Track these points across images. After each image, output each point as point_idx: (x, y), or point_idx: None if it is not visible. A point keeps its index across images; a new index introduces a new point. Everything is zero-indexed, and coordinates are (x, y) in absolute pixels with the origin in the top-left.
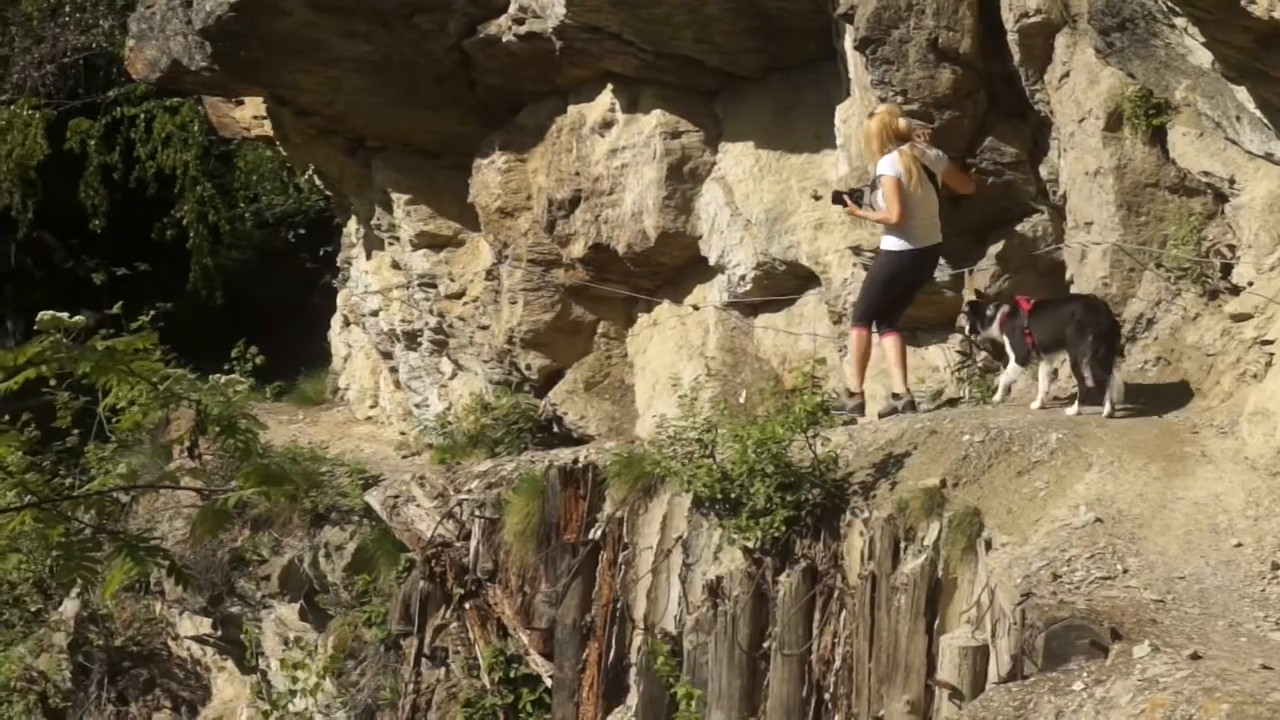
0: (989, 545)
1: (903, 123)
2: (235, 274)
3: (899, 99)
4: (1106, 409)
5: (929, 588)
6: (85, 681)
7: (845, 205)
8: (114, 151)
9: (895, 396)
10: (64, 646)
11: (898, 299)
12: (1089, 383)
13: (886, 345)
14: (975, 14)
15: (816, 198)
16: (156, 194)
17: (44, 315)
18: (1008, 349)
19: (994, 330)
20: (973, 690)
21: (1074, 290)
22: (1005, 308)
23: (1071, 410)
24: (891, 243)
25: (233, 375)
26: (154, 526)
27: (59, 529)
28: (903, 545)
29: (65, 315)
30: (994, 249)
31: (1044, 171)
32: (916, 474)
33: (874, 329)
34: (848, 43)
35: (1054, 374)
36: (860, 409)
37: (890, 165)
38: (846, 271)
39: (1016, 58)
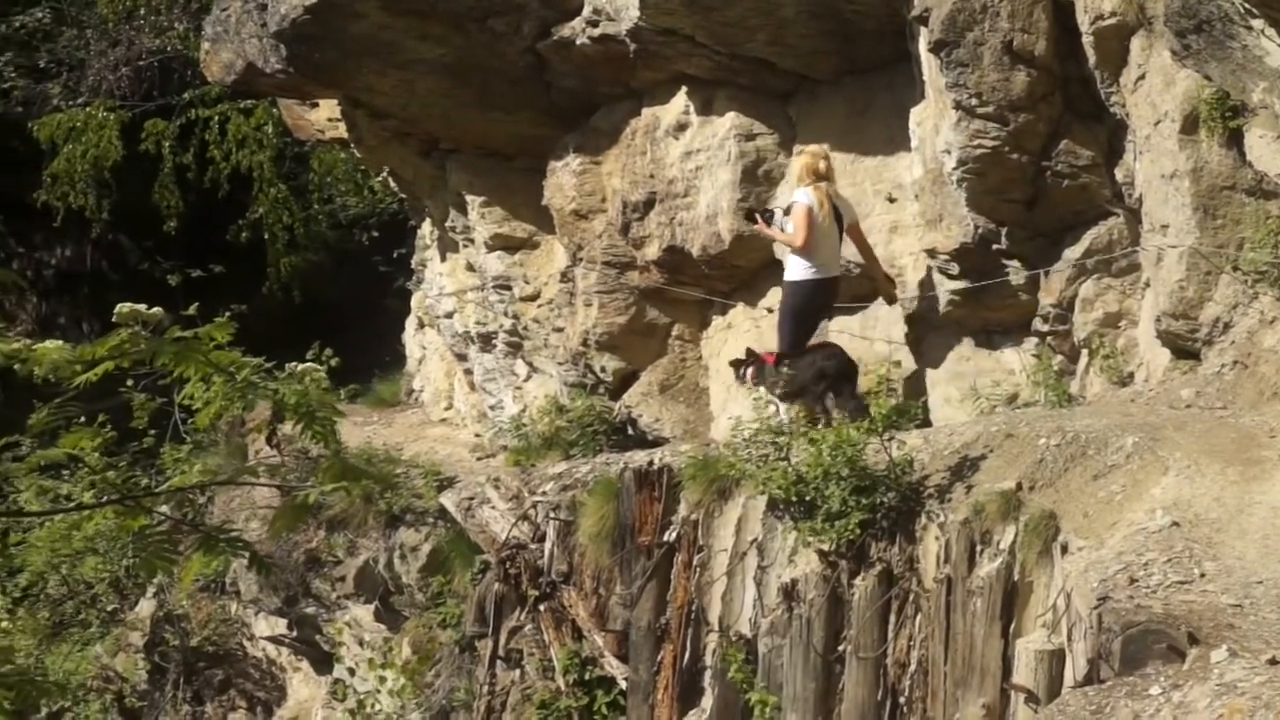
0: (1065, 549)
1: (824, 165)
2: (309, 276)
3: (974, 101)
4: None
5: (1005, 591)
6: (161, 681)
7: (756, 223)
8: (189, 153)
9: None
10: (140, 646)
11: (810, 328)
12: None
13: None
14: (1050, 16)
15: (748, 218)
16: (231, 196)
17: (122, 307)
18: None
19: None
20: (1048, 694)
21: None
22: (751, 368)
23: None
24: (797, 272)
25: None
26: (230, 525)
27: (139, 520)
28: (978, 549)
29: (144, 308)
30: (1069, 252)
31: (1119, 174)
32: (992, 477)
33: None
34: (922, 45)
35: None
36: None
37: (805, 195)
38: (921, 274)
39: (1091, 60)
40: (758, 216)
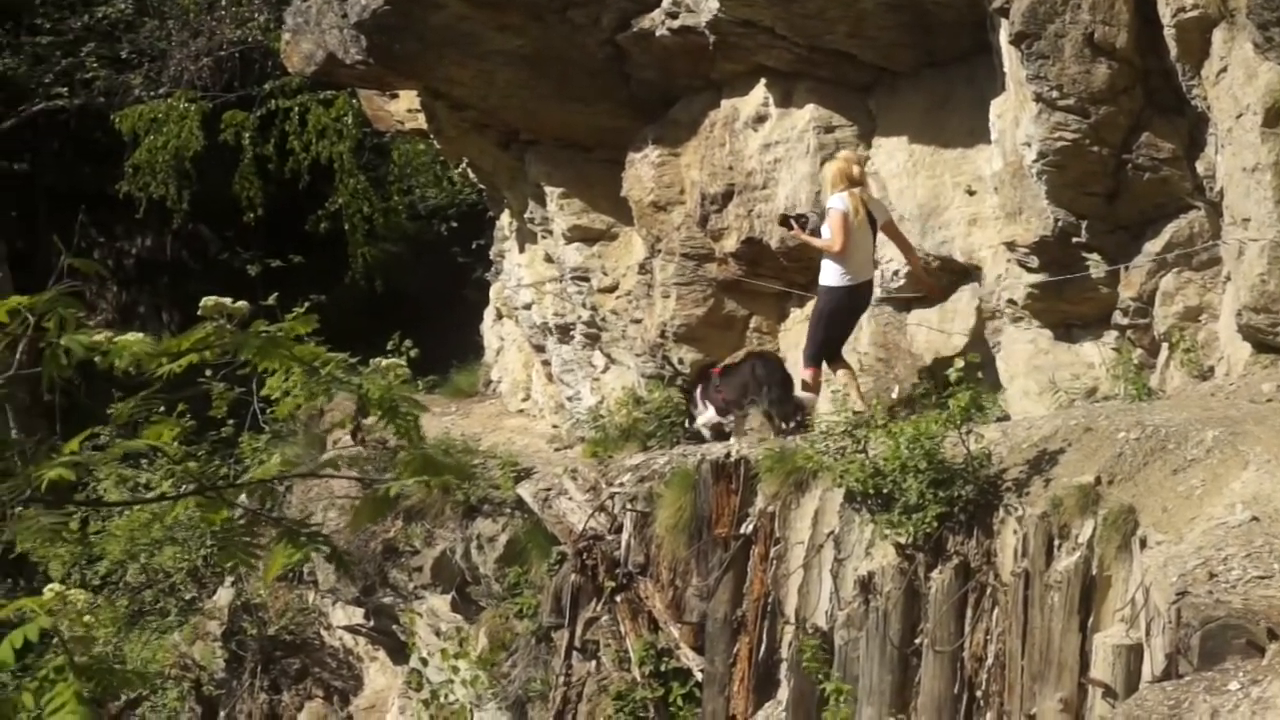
0: (1144, 543)
1: (857, 169)
2: (388, 267)
3: (1055, 94)
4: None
5: (1083, 585)
6: (238, 670)
7: (791, 228)
8: (269, 144)
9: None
10: (218, 635)
11: (841, 333)
12: (781, 425)
13: (842, 379)
14: (1131, 8)
15: (783, 223)
16: (310, 187)
17: (207, 301)
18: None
19: (705, 409)
20: (1126, 689)
21: None
22: (700, 385)
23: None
24: (831, 278)
25: (393, 359)
26: (308, 516)
27: (221, 514)
28: (1056, 543)
29: (228, 301)
30: (1149, 245)
31: (1200, 168)
32: (1071, 471)
33: (823, 368)
34: (1003, 37)
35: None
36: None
37: (840, 201)
38: (1001, 267)
39: (1173, 52)
40: (792, 221)
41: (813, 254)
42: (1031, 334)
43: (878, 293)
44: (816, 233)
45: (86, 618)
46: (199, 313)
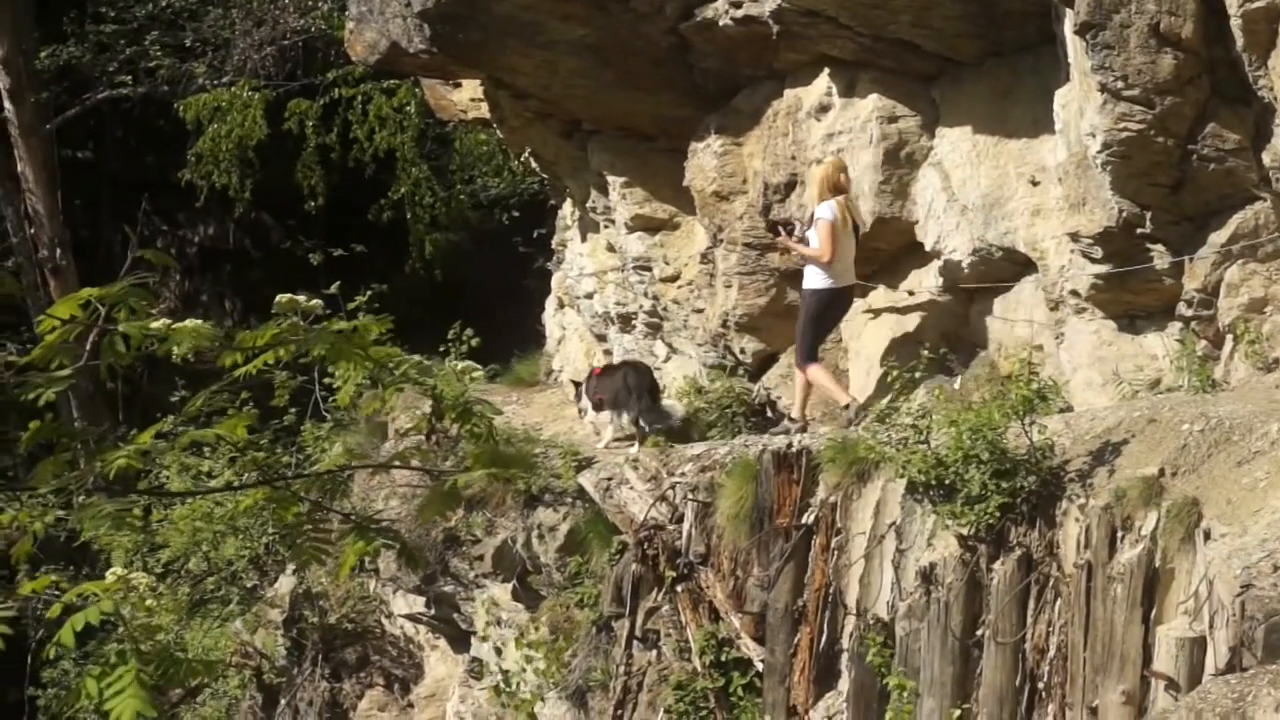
0: (1208, 536)
1: (843, 176)
2: (450, 256)
3: (1120, 84)
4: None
5: (1146, 578)
6: (299, 658)
7: (779, 234)
8: (331, 133)
9: (846, 408)
10: (279, 623)
11: (825, 334)
12: (644, 429)
13: (799, 379)
14: None
15: (771, 229)
16: (373, 175)
17: (281, 298)
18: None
19: (585, 401)
20: (1189, 682)
21: None
22: (582, 380)
23: (633, 450)
24: (816, 281)
25: (469, 361)
26: (369, 505)
27: (293, 508)
28: (1119, 534)
29: (302, 298)
30: (1214, 236)
31: (1266, 159)
32: (1134, 463)
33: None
34: (1067, 27)
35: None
36: (803, 429)
37: (829, 210)
38: (1064, 258)
39: (1239, 43)
40: (780, 229)
41: (800, 259)
42: (1095, 325)
43: (940, 283)
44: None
45: (149, 602)
46: (273, 310)
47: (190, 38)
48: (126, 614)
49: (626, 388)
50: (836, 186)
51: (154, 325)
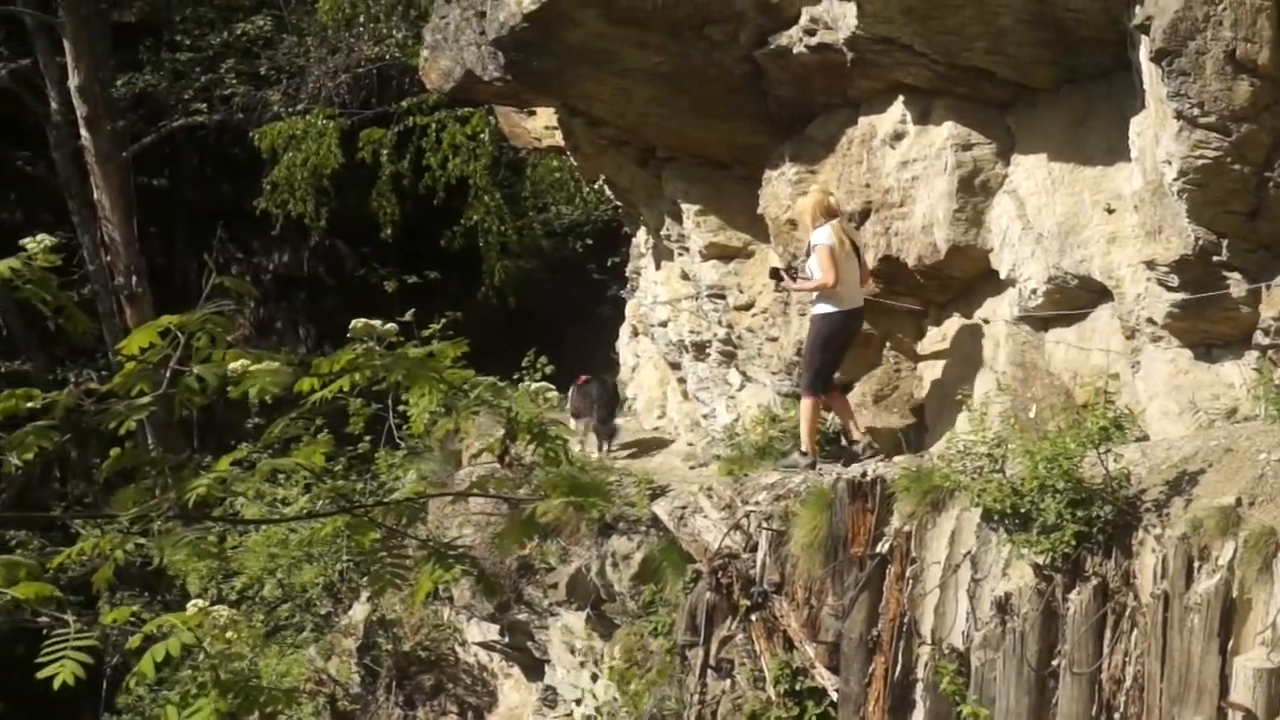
0: None
1: (832, 200)
2: (523, 283)
3: (1196, 111)
4: (604, 450)
5: (1223, 608)
6: (373, 685)
7: (782, 280)
8: (405, 160)
9: (854, 442)
10: (353, 650)
11: (835, 360)
12: (602, 443)
13: (835, 405)
14: (1274, 25)
15: (773, 276)
16: (446, 203)
17: (357, 323)
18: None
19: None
20: (1267, 713)
21: None
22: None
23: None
24: (823, 308)
25: (543, 383)
26: (443, 533)
27: (371, 535)
28: (1196, 564)
29: (377, 323)
30: None
31: None
32: (1211, 492)
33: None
34: (1143, 54)
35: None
36: (812, 465)
37: (825, 235)
38: (1140, 286)
39: None
40: (782, 274)
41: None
42: (1171, 354)
43: (1015, 311)
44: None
45: (229, 634)
46: (348, 334)
47: (265, 65)
48: (206, 644)
49: (589, 400)
50: (829, 210)
51: (231, 365)
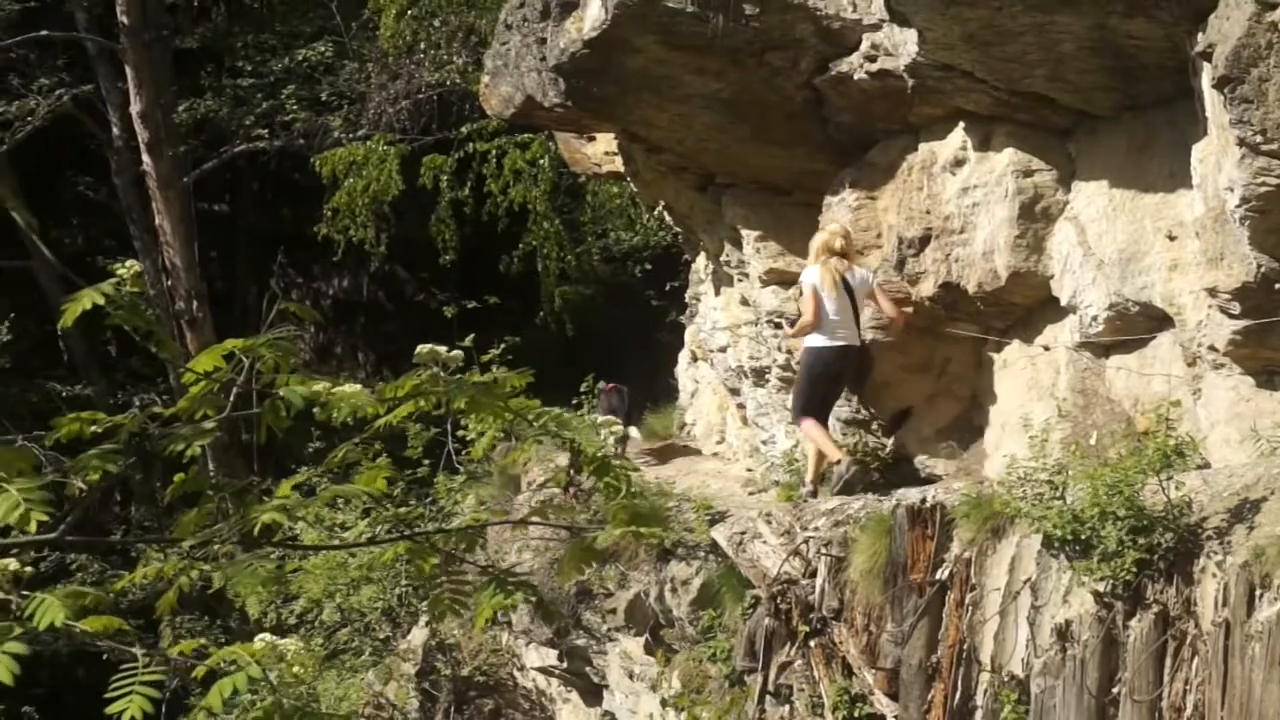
0: None
1: (840, 242)
2: (582, 309)
3: (1258, 138)
4: (619, 451)
5: None
6: (431, 710)
7: (783, 328)
8: (465, 187)
9: (838, 463)
10: (411, 675)
11: (826, 394)
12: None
13: (810, 431)
14: None
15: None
16: (505, 228)
17: (422, 348)
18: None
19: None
20: None
21: None
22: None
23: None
24: (810, 340)
25: (609, 416)
26: (502, 558)
27: (430, 561)
28: (1258, 592)
29: (442, 349)
30: None
31: None
32: (1273, 520)
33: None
34: (1205, 81)
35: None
36: (813, 493)
37: (811, 274)
38: (1201, 313)
39: None
40: (784, 322)
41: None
42: (1233, 381)
43: (1075, 338)
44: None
45: (296, 669)
46: (414, 359)
47: (326, 91)
48: (273, 678)
49: (610, 407)
50: (830, 250)
51: (314, 388)
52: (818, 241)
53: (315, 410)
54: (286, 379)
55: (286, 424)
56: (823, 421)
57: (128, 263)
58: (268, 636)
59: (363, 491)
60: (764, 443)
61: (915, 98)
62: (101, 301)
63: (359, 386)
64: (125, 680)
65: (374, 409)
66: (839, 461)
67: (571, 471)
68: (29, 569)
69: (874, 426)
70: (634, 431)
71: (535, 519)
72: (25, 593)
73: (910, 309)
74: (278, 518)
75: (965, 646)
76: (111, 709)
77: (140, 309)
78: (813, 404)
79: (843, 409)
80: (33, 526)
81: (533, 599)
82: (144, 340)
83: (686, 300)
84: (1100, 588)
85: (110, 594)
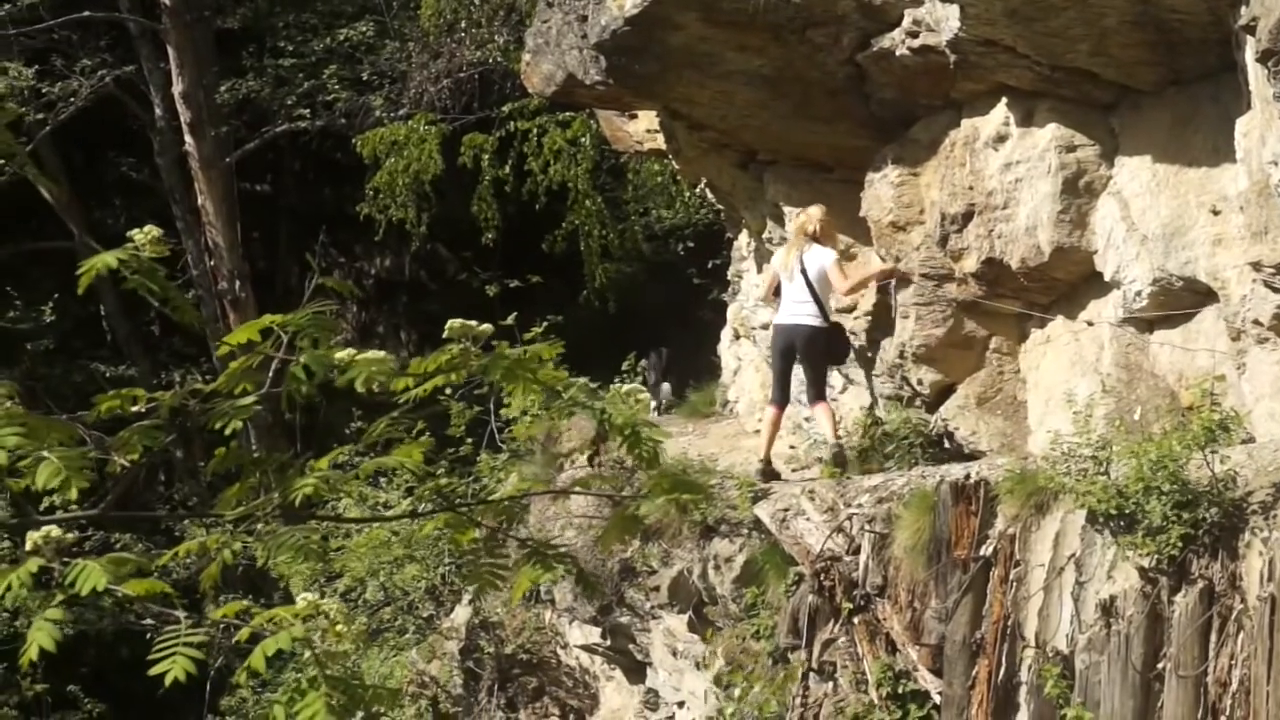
0: None
1: (811, 227)
2: (624, 287)
3: None
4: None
5: None
6: (475, 688)
7: None
8: (506, 165)
9: (766, 463)
10: (455, 653)
11: (782, 371)
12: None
13: (765, 416)
14: None
15: None
16: (546, 206)
17: (453, 323)
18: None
19: None
20: None
21: None
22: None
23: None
24: (773, 319)
25: (635, 385)
26: (545, 535)
27: (470, 533)
28: None
29: (474, 323)
30: None
31: None
32: None
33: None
34: (1249, 55)
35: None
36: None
37: (776, 255)
38: (1245, 288)
39: None
40: None
41: None
42: (1277, 355)
43: (1119, 313)
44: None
45: (339, 628)
46: (444, 334)
47: (367, 71)
48: (316, 640)
49: (651, 366)
50: (804, 232)
51: (337, 355)
52: (794, 223)
53: (336, 376)
54: (312, 353)
55: (311, 391)
56: (780, 405)
57: (146, 228)
58: (309, 595)
59: (402, 464)
60: (807, 420)
61: (957, 73)
62: (115, 265)
63: (382, 353)
64: (169, 641)
65: (402, 382)
66: (764, 460)
67: (598, 443)
68: (70, 535)
69: (917, 402)
70: (666, 388)
71: (577, 490)
72: (67, 560)
73: (875, 278)
74: (320, 488)
75: (1009, 623)
76: (155, 670)
77: (157, 273)
78: (773, 385)
79: (886, 385)
80: (73, 494)
81: (572, 571)
82: (161, 305)
83: (729, 278)
84: (1145, 563)
85: (154, 569)
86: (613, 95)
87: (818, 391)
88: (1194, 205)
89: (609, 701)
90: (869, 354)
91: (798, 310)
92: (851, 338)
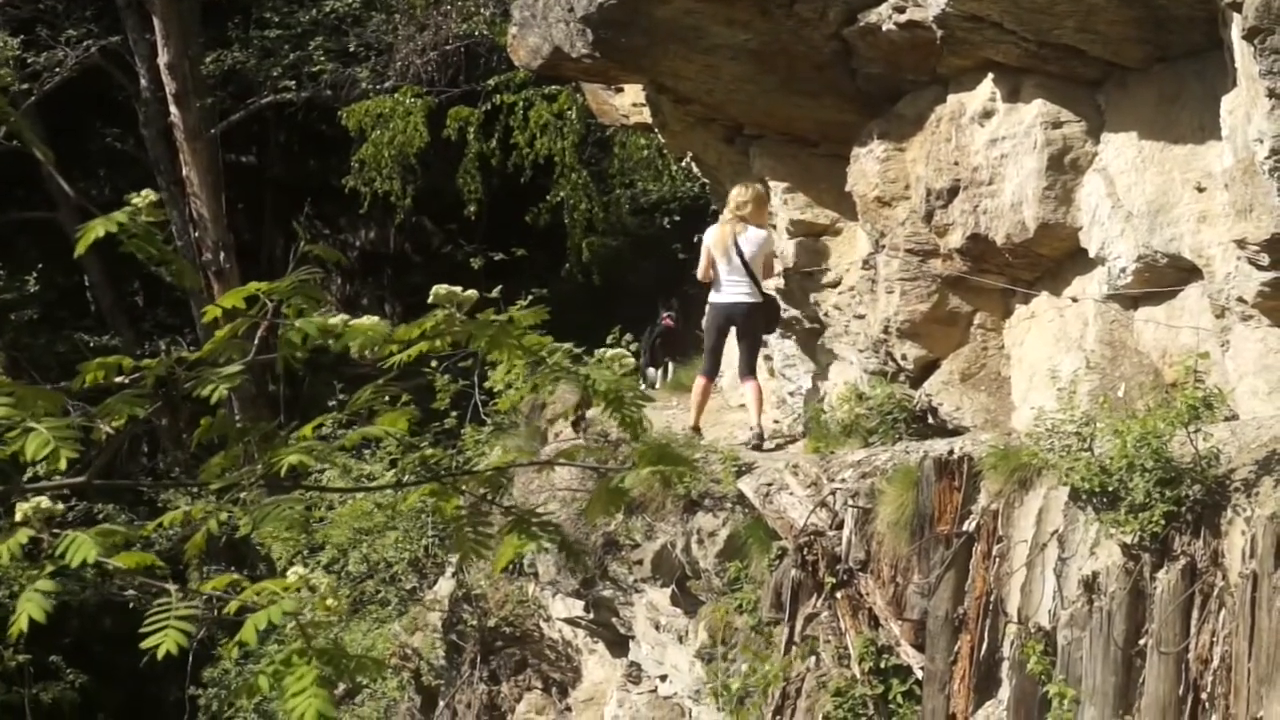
0: None
1: (746, 206)
2: (608, 260)
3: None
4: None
5: None
6: (458, 660)
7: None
8: (491, 139)
9: (696, 429)
10: (438, 625)
11: (715, 346)
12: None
13: (695, 386)
14: None
15: None
16: (532, 180)
17: (438, 288)
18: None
19: None
20: None
21: None
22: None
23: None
24: (710, 296)
25: (618, 349)
26: (529, 507)
27: (453, 502)
28: None
29: (458, 289)
30: None
31: None
32: None
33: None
34: (1235, 32)
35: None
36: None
37: (710, 232)
38: (1230, 265)
39: None
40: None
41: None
42: (1261, 333)
43: (1104, 290)
44: None
45: (330, 601)
46: (429, 300)
47: (354, 43)
48: (306, 612)
49: (651, 342)
50: (735, 206)
51: (331, 320)
52: (729, 198)
53: (331, 343)
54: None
55: (304, 356)
56: (710, 376)
57: (144, 191)
58: (300, 569)
59: (387, 433)
60: (791, 394)
61: (944, 49)
62: (114, 229)
63: (376, 319)
64: (159, 615)
65: (391, 347)
66: (693, 428)
67: (582, 409)
68: (60, 506)
69: (901, 378)
70: (652, 371)
71: (562, 460)
72: (56, 531)
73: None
74: (304, 459)
75: (992, 598)
76: (146, 644)
77: (155, 237)
78: (705, 358)
79: (870, 360)
80: (62, 464)
81: (556, 539)
82: (160, 268)
83: None
84: (1127, 539)
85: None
86: (599, 68)
87: (750, 367)
88: (1179, 182)
89: (591, 675)
90: (850, 328)
91: (735, 290)
92: (837, 313)
